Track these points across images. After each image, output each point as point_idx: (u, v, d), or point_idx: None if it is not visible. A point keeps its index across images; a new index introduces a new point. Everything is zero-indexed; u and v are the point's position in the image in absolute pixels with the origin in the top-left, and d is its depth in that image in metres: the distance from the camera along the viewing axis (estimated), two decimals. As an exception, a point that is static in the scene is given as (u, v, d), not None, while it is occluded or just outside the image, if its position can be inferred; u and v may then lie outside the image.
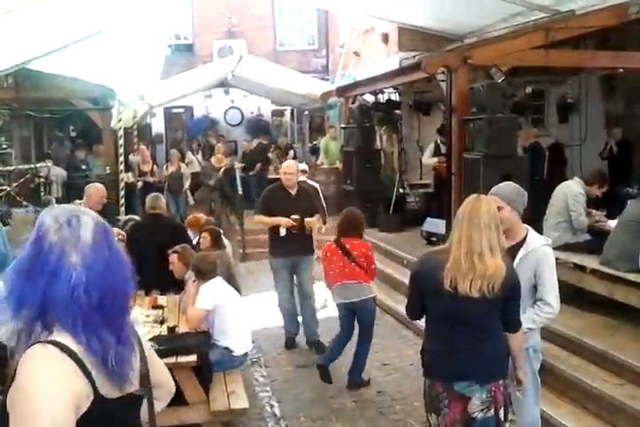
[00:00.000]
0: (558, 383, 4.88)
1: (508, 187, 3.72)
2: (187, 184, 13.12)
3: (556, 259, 5.87)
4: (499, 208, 3.43)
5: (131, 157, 12.23)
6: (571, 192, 6.04)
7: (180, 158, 13.37)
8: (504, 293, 2.97)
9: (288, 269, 6.51)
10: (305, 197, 6.58)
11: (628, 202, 5.72)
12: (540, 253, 3.54)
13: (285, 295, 6.61)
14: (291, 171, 6.43)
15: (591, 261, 5.65)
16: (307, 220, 6.27)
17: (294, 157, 16.25)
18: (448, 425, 3.09)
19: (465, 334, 3.04)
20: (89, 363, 1.50)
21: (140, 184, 11.84)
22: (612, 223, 5.88)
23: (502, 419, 3.09)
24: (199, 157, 15.74)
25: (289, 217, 6.22)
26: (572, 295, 5.91)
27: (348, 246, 5.44)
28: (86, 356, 1.50)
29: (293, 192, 6.43)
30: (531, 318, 3.52)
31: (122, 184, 10.81)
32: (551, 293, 3.53)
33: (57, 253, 1.50)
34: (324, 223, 7.39)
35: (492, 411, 3.03)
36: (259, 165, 14.54)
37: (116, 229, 6.61)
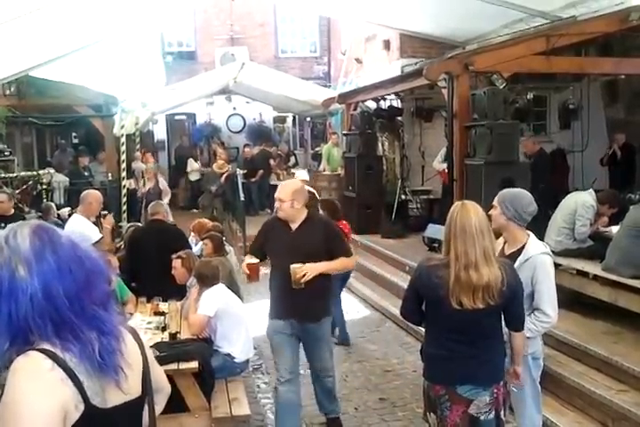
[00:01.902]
0: (562, 391, 4.87)
1: (511, 191, 3.76)
2: (165, 200, 11.74)
3: (559, 265, 5.91)
4: (492, 206, 3.61)
5: (134, 164, 12.24)
6: (582, 202, 6.02)
7: (156, 174, 12.02)
8: (505, 297, 3.00)
9: (288, 337, 4.42)
10: (311, 233, 4.34)
11: (631, 207, 5.70)
12: (536, 262, 3.52)
13: (283, 375, 4.42)
14: (282, 196, 4.28)
15: (593, 267, 5.64)
16: (293, 267, 4.12)
17: (296, 164, 16.32)
18: None
19: (469, 342, 3.07)
20: (79, 370, 1.49)
21: (142, 191, 11.83)
22: (615, 229, 5.86)
23: (504, 418, 3.17)
24: (198, 164, 15.78)
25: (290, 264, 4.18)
26: (574, 301, 5.91)
27: (342, 226, 6.41)
28: (75, 362, 1.49)
29: (294, 226, 4.35)
30: (527, 326, 3.50)
31: (124, 191, 10.84)
32: (547, 302, 3.52)
33: (7, 273, 1.50)
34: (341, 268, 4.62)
35: (494, 413, 3.08)
36: (260, 172, 14.54)
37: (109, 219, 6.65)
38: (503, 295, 2.98)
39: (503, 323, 3.21)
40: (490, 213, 3.58)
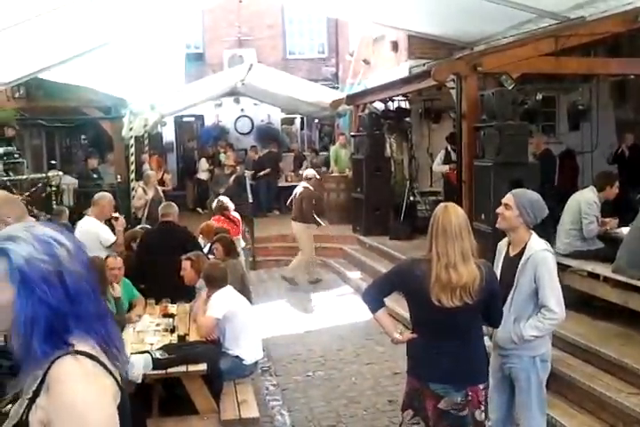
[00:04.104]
0: (572, 393, 4.84)
1: (529, 195, 3.73)
2: None
3: (569, 266, 5.90)
4: (506, 206, 3.62)
5: (144, 166, 12.23)
6: (584, 200, 6.01)
7: (158, 181, 11.33)
8: (483, 295, 3.12)
9: None
10: None
11: (641, 209, 5.67)
12: (537, 258, 3.54)
13: None
14: None
15: (604, 269, 5.60)
16: None
17: (309, 166, 16.27)
18: (427, 420, 3.26)
19: (447, 340, 3.21)
20: (106, 362, 1.52)
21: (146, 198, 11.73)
22: (625, 230, 5.83)
23: (482, 419, 3.22)
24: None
25: None
26: (584, 303, 5.88)
27: (231, 217, 8.48)
28: (102, 355, 1.52)
29: None
30: (534, 325, 3.52)
31: (133, 193, 10.85)
32: (552, 298, 3.51)
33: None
34: None
35: (467, 411, 3.16)
36: (262, 173, 14.60)
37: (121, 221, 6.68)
38: (482, 292, 3.10)
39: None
40: (501, 211, 3.65)
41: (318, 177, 10.80)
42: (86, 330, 1.52)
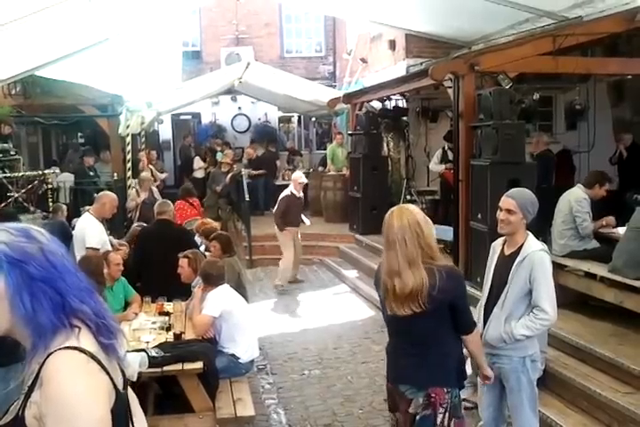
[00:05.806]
0: (567, 392, 4.85)
1: (527, 195, 3.71)
2: None
3: (565, 266, 5.91)
4: (510, 211, 3.56)
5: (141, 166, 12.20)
6: (574, 198, 6.02)
7: (152, 183, 11.01)
8: (438, 302, 2.98)
9: None
10: None
11: (637, 209, 5.68)
12: (533, 259, 3.53)
13: None
14: None
15: (600, 269, 5.61)
16: None
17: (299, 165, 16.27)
18: (400, 421, 3.22)
19: (408, 344, 3.16)
20: (103, 360, 1.51)
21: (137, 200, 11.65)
22: (621, 230, 5.83)
23: (443, 424, 3.06)
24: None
25: None
26: (581, 303, 5.89)
27: (190, 201, 9.56)
28: (100, 353, 1.51)
29: None
30: (525, 324, 3.52)
31: (129, 191, 10.82)
32: (546, 299, 3.50)
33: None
34: None
35: (429, 411, 3.06)
36: (256, 173, 14.58)
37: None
38: (434, 301, 2.96)
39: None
40: (504, 218, 3.60)
41: (303, 181, 9.94)
42: (81, 299, 1.52)
